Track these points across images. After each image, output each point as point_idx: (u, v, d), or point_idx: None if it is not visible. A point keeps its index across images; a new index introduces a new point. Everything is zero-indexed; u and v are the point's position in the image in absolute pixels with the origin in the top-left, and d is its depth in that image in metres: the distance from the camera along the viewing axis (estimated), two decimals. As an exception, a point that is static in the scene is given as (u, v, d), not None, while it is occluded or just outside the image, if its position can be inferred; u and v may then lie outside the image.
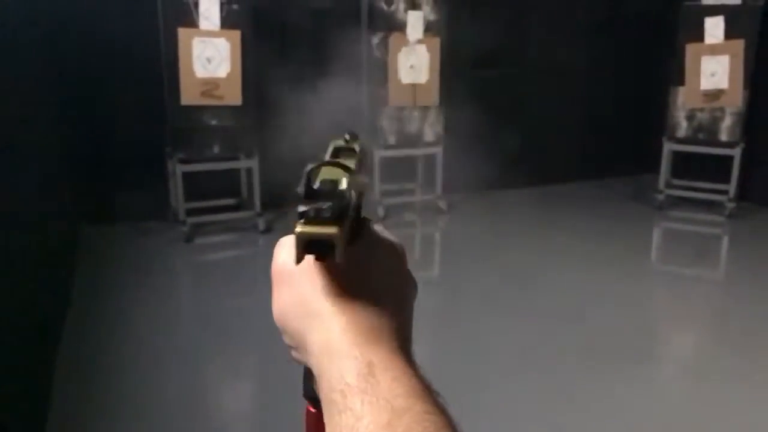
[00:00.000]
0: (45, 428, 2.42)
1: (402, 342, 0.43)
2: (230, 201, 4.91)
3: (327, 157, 0.49)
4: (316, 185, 0.42)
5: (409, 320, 0.47)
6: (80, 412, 2.56)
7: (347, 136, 0.49)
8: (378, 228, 0.49)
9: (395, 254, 0.48)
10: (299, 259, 0.40)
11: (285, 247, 0.47)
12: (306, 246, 0.40)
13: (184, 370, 2.96)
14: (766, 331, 3.41)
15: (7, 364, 2.11)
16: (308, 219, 0.40)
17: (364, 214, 0.49)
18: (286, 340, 0.46)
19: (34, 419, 2.40)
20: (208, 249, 4.55)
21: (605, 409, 2.70)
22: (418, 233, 5.28)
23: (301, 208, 0.40)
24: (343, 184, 0.42)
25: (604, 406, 2.72)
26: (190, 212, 4.55)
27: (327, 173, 0.43)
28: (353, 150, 0.48)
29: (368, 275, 0.45)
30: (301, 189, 0.41)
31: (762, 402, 2.76)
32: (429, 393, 0.39)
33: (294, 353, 0.46)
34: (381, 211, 5.02)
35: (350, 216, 0.43)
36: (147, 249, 4.38)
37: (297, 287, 0.44)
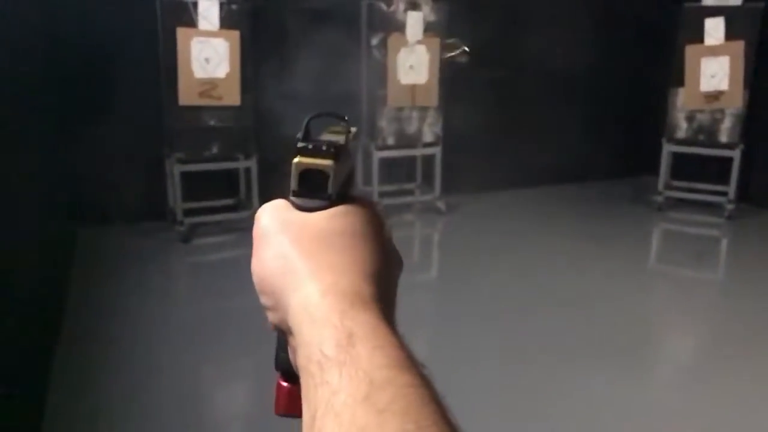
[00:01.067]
0: (41, 424, 2.40)
1: (385, 309, 0.40)
2: (228, 201, 4.89)
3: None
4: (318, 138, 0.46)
5: (393, 290, 0.45)
6: (76, 413, 2.55)
7: (346, 119, 0.50)
8: (362, 198, 0.48)
9: (379, 221, 0.46)
10: (294, 192, 0.44)
11: (267, 211, 0.46)
12: (301, 178, 0.44)
13: (181, 371, 2.94)
14: (765, 332, 3.40)
15: (2, 365, 2.10)
16: (305, 152, 0.44)
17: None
18: (263, 300, 0.44)
19: (30, 420, 2.38)
20: (205, 249, 4.53)
21: (602, 410, 2.68)
22: (417, 234, 5.27)
23: (300, 144, 0.44)
24: (341, 141, 0.46)
25: (602, 406, 2.71)
26: (188, 212, 4.54)
27: (326, 135, 0.47)
28: (348, 131, 0.49)
29: (350, 238, 0.43)
30: (301, 134, 0.45)
31: (759, 403, 2.75)
32: (412, 363, 0.37)
33: (271, 315, 0.44)
34: (380, 212, 5.00)
35: (344, 167, 0.46)
36: (144, 249, 4.36)
37: (277, 245, 0.43)
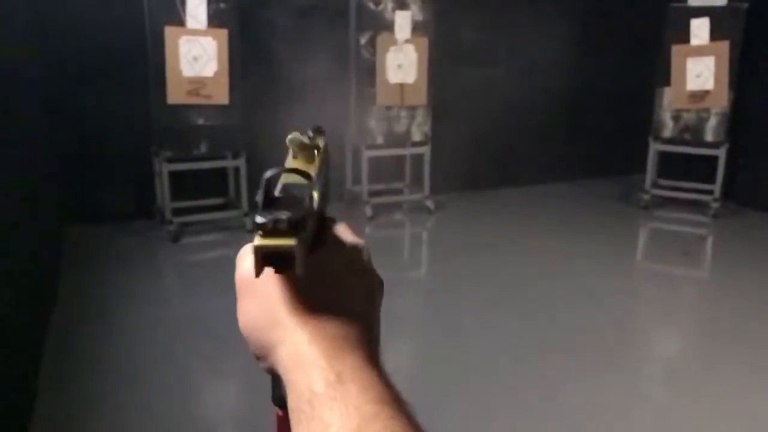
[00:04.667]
0: (29, 428, 2.40)
1: (370, 349, 0.42)
2: (217, 200, 4.89)
3: (289, 157, 0.48)
4: (277, 192, 0.42)
5: (376, 323, 0.46)
6: (65, 413, 2.54)
7: (310, 133, 0.48)
8: (340, 228, 0.48)
9: (357, 256, 0.47)
10: (258, 272, 0.39)
11: (248, 256, 0.45)
12: (264, 258, 0.39)
13: (171, 371, 2.94)
14: (750, 329, 3.44)
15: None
16: (266, 231, 0.39)
17: (329, 214, 0.49)
18: (252, 350, 0.45)
19: (18, 419, 2.38)
20: (195, 249, 4.53)
21: (587, 407, 2.71)
22: (406, 233, 5.28)
23: (259, 220, 0.39)
24: (303, 192, 0.42)
25: (587, 404, 2.73)
26: (177, 212, 4.53)
27: (287, 179, 0.43)
28: (317, 147, 0.47)
29: (331, 282, 0.44)
30: (259, 197, 0.40)
31: (745, 397, 2.78)
32: (398, 401, 0.39)
33: (261, 363, 0.45)
34: (369, 211, 5.02)
35: (311, 224, 0.42)
36: (133, 249, 4.35)
37: (261, 298, 0.44)
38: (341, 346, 0.40)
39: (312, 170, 0.46)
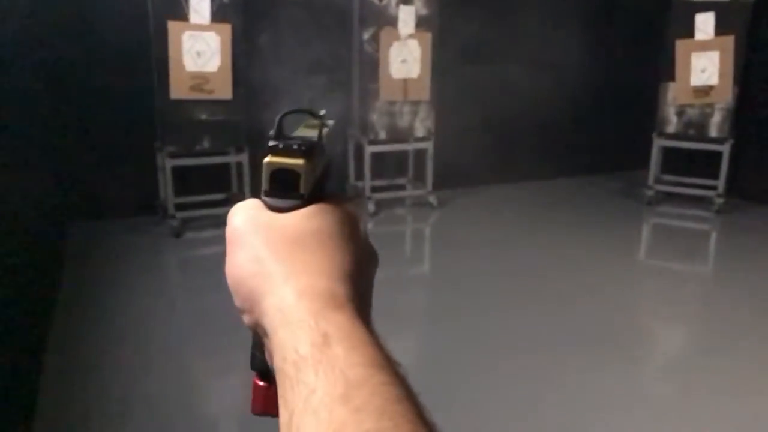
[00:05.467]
0: (32, 424, 2.40)
1: (360, 309, 0.40)
2: (220, 196, 4.88)
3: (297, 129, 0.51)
4: (291, 134, 0.46)
5: (369, 289, 0.45)
6: (68, 409, 2.55)
7: (321, 114, 0.49)
8: (337, 195, 0.48)
9: (353, 221, 0.46)
10: (267, 192, 0.43)
11: (239, 211, 0.45)
12: (273, 176, 0.43)
13: (174, 366, 2.94)
14: (754, 325, 3.44)
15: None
16: (277, 151, 0.43)
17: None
18: (238, 303, 0.44)
19: (21, 415, 2.38)
20: (197, 244, 4.53)
21: (591, 402, 2.71)
22: (409, 229, 5.28)
23: (272, 142, 0.43)
24: (314, 138, 0.45)
25: (590, 398, 2.73)
26: (180, 207, 4.53)
27: (301, 131, 0.47)
28: (323, 127, 0.49)
29: (323, 239, 0.43)
30: (273, 132, 0.44)
31: (748, 395, 2.78)
32: (388, 362, 0.37)
33: (246, 317, 0.43)
34: (371, 207, 5.01)
35: (319, 160, 0.45)
36: (136, 244, 4.35)
37: (250, 249, 0.43)
38: (329, 303, 0.39)
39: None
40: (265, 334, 0.41)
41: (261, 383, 0.46)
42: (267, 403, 0.45)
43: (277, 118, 0.45)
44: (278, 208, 0.43)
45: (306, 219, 0.43)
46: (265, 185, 0.43)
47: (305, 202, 0.44)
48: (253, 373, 0.47)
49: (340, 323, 0.38)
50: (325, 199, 0.46)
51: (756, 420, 2.63)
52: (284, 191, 0.43)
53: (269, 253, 0.42)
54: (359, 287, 0.42)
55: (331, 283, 0.41)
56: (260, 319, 0.41)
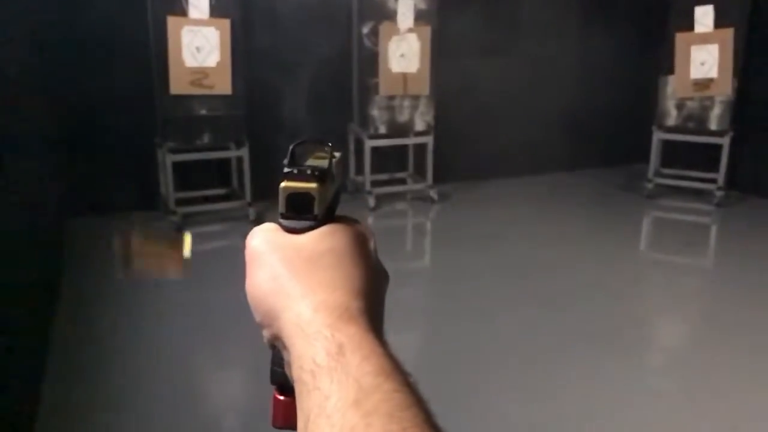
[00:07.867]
0: (35, 422, 2.41)
1: (372, 322, 0.43)
2: (220, 191, 4.89)
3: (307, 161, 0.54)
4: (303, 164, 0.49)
5: (380, 304, 0.47)
6: (70, 405, 2.56)
7: (330, 145, 0.52)
8: (348, 218, 0.51)
9: (364, 241, 0.49)
10: (283, 215, 0.46)
11: (257, 234, 0.48)
12: (288, 200, 0.46)
13: (175, 361, 2.95)
14: (755, 318, 3.45)
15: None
16: (292, 177, 0.47)
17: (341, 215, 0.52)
18: (258, 319, 0.47)
19: (24, 411, 2.39)
20: (198, 239, 4.53)
21: (590, 394, 2.72)
22: (409, 223, 5.29)
23: (287, 169, 0.47)
24: (324, 165, 0.49)
25: (590, 391, 2.74)
26: (180, 202, 4.54)
27: (311, 161, 0.50)
28: (332, 156, 0.52)
29: (336, 257, 0.46)
30: (286, 161, 0.47)
31: (749, 389, 2.79)
32: (398, 371, 0.39)
33: (265, 332, 0.46)
34: (371, 201, 5.02)
35: (330, 186, 0.49)
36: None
37: (269, 268, 0.46)
38: (344, 316, 0.42)
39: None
40: (284, 347, 0.44)
41: (281, 397, 0.48)
42: (287, 416, 0.47)
43: (290, 148, 0.48)
44: (294, 229, 0.47)
45: (320, 239, 0.46)
46: (281, 208, 0.46)
47: (319, 223, 0.47)
48: (273, 387, 0.49)
49: (354, 334, 0.40)
50: (337, 220, 0.49)
51: (758, 412, 2.64)
52: (299, 213, 0.46)
53: (287, 272, 0.45)
54: (371, 302, 0.45)
55: (345, 298, 0.43)
56: (279, 333, 0.44)
